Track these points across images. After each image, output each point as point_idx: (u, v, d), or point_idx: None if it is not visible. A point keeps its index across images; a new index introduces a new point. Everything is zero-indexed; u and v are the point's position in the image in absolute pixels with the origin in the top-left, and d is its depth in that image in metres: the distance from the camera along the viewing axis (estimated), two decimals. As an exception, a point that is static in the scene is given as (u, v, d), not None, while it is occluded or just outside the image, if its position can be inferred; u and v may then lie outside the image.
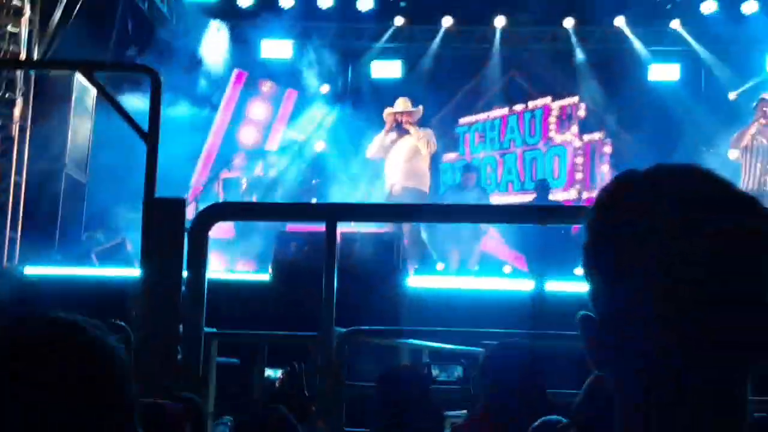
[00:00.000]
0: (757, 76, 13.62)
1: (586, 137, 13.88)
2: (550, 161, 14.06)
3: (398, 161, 10.87)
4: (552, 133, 14.09)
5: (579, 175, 13.80)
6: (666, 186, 1.02)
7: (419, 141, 10.81)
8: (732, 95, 13.82)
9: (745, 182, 9.58)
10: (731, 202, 1.01)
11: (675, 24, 13.65)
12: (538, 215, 4.26)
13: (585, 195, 13.58)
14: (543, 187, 12.65)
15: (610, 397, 1.03)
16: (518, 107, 14.38)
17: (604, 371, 1.04)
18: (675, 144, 13.43)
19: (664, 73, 13.86)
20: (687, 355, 0.96)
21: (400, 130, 10.85)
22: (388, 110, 11.11)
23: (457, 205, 8.83)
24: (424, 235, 11.51)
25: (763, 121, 9.53)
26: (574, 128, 13.90)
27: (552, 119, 14.02)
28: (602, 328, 1.02)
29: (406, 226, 9.86)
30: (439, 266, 12.85)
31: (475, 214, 4.58)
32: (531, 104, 14.30)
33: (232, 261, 11.38)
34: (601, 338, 1.02)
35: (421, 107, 11.21)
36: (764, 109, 9.67)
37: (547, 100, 14.10)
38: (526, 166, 14.24)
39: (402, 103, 11.03)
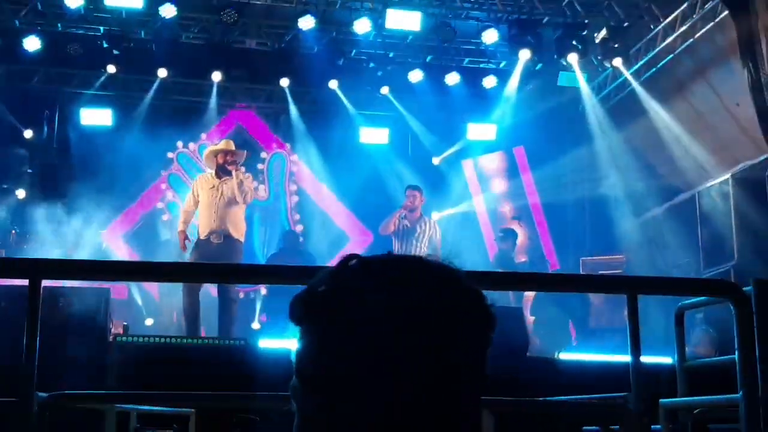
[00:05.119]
0: (458, 143, 14.59)
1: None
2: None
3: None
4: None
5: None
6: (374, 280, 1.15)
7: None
8: (436, 160, 14.70)
9: None
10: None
11: (385, 90, 14.24)
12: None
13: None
14: (294, 238, 12.74)
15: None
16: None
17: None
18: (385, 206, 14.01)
19: (373, 136, 14.39)
20: None
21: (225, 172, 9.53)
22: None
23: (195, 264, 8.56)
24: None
25: (409, 204, 10.57)
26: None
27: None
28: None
29: None
30: (148, 322, 12.50)
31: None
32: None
33: None
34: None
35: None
36: (411, 197, 10.70)
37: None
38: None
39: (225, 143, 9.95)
